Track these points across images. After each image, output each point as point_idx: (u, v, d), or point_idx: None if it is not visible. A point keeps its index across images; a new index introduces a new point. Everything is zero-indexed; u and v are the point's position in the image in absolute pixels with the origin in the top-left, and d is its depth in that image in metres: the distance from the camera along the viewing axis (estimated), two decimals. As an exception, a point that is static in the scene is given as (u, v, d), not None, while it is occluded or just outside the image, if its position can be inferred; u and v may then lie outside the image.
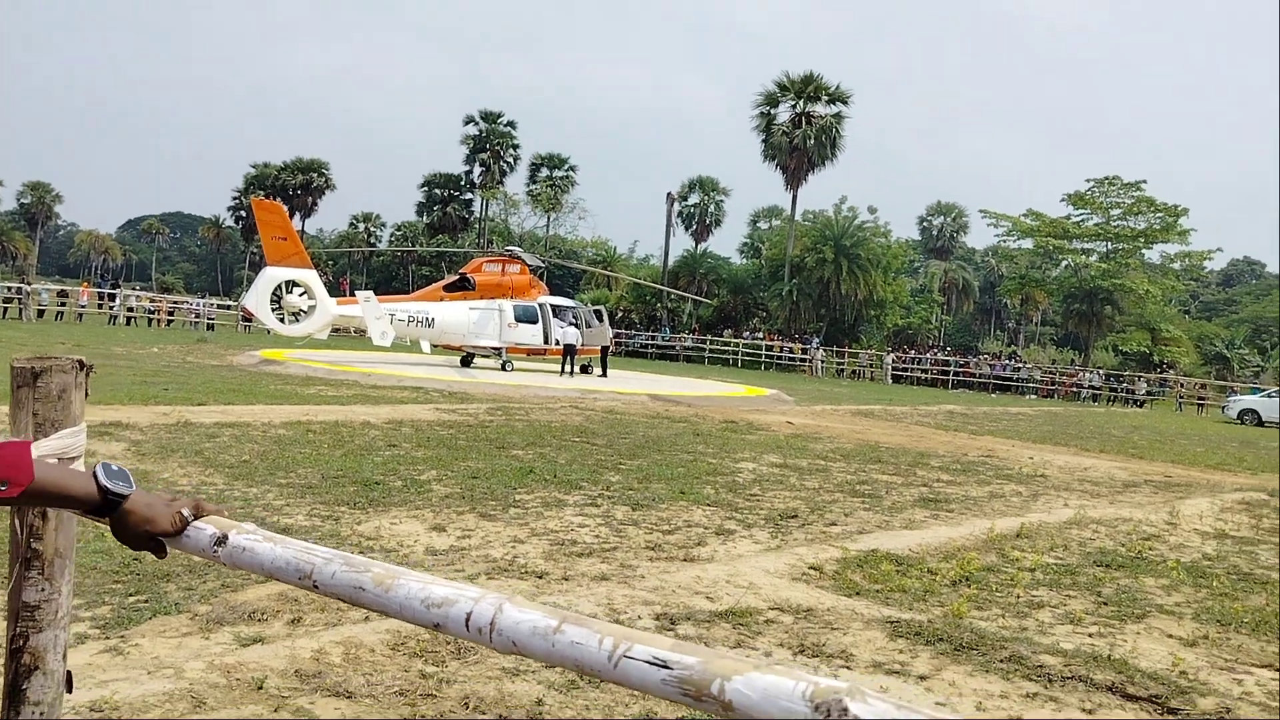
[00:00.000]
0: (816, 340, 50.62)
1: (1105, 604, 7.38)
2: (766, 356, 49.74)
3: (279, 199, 65.38)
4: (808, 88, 53.13)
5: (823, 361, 48.79)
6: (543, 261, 40.19)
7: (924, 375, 47.35)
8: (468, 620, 1.08)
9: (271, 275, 26.42)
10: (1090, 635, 6.52)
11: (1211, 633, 6.78)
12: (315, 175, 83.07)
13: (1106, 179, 48.85)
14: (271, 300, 26.73)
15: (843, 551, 8.09)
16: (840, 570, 7.57)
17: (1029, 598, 7.39)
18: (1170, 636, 6.63)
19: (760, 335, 53.32)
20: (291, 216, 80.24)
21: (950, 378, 46.55)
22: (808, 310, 51.94)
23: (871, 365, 48.87)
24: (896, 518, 10.18)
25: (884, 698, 0.85)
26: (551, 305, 30.21)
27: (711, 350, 51.14)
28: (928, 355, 50.78)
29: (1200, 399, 43.92)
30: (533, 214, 70.80)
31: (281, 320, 27.13)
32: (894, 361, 48.18)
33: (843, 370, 48.88)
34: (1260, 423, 33.30)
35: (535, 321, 29.39)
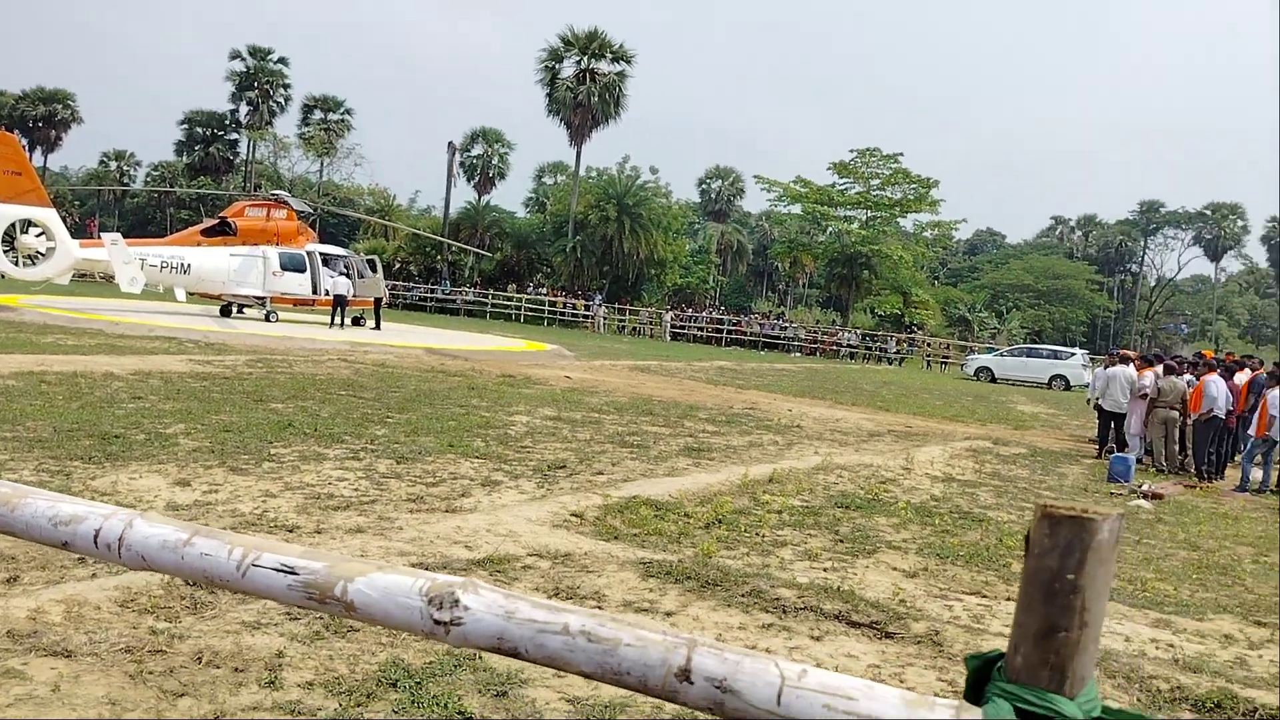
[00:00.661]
0: (599, 297, 51.24)
1: (842, 541, 7.95)
2: (549, 312, 49.90)
3: (16, 131, 58.95)
4: (592, 44, 53.20)
5: (605, 318, 49.49)
6: (312, 208, 38.44)
7: (700, 333, 49.01)
8: (96, 537, 1.03)
9: (3, 213, 23.91)
10: (825, 570, 7.01)
11: (931, 565, 7.45)
12: (59, 107, 75.48)
13: (868, 150, 51.93)
14: (3, 241, 24.23)
15: (605, 499, 8.29)
16: (601, 516, 7.76)
17: (774, 537, 7.85)
18: (895, 569, 7.23)
19: (544, 291, 53.37)
20: (32, 151, 72.78)
21: (724, 336, 48.43)
22: (591, 267, 52.39)
23: (651, 323, 50.02)
24: (661, 466, 10.52)
25: (495, 589, 0.89)
26: (321, 254, 28.97)
27: (494, 305, 50.76)
28: (704, 314, 52.57)
29: (944, 358, 47.90)
30: (305, 158, 67.47)
31: (15, 263, 24.66)
32: (672, 319, 49.57)
33: (624, 327, 49.77)
34: (993, 379, 36.68)
35: (303, 270, 28.11)
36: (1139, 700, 4.92)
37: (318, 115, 66.91)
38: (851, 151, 52.87)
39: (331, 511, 7.19)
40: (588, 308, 50.42)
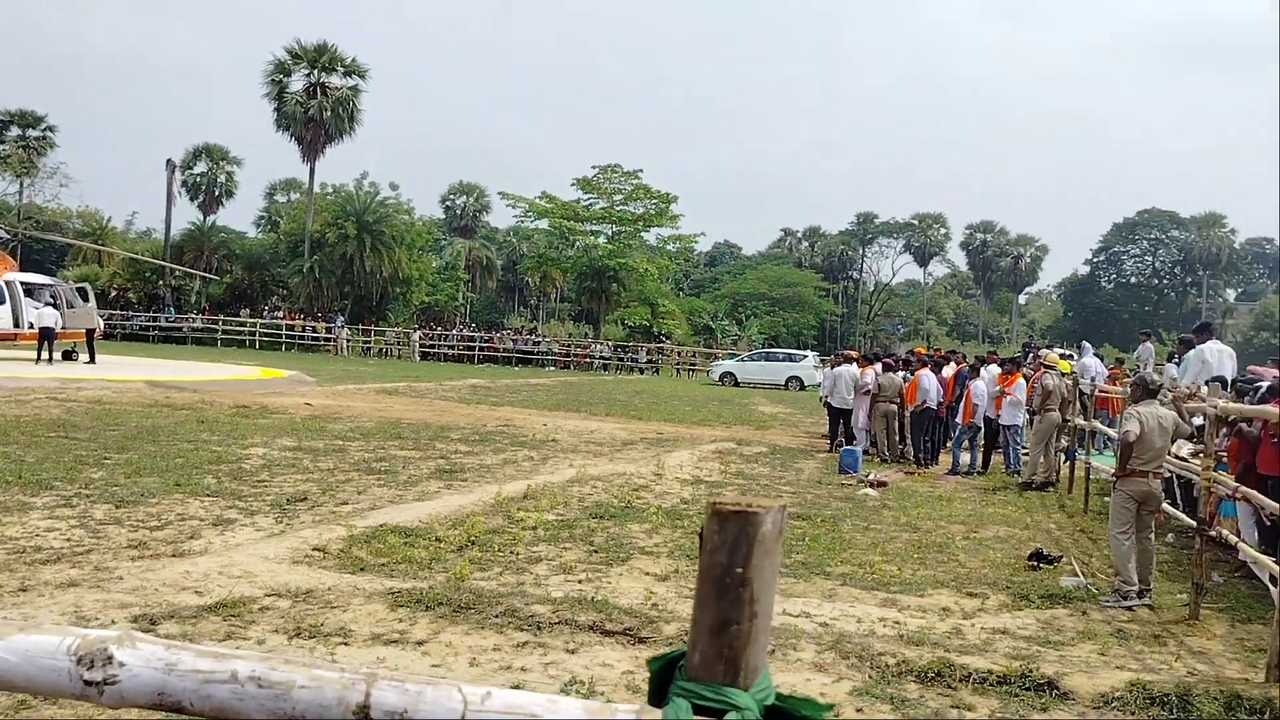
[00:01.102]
0: (341, 319, 49.30)
1: (596, 552, 8.04)
2: (288, 337, 47.48)
3: None
4: (321, 57, 51.28)
5: (348, 340, 47.68)
6: (10, 233, 34.72)
7: (451, 351, 48.23)
8: None
9: None
10: (580, 582, 7.06)
11: (681, 566, 7.67)
12: None
13: (609, 166, 53.13)
14: None
15: (349, 530, 7.94)
16: (346, 548, 7.43)
17: (529, 554, 7.82)
18: (647, 574, 7.39)
19: (280, 314, 50.73)
20: None
21: (476, 353, 47.91)
22: (331, 288, 50.37)
23: (399, 343, 48.73)
24: (411, 491, 10.23)
25: (155, 641, 0.80)
26: (22, 283, 26.17)
27: (225, 332, 47.71)
28: (454, 332, 51.81)
29: (691, 365, 49.83)
30: (1, 179, 60.76)
31: None
32: (421, 339, 48.49)
33: (370, 349, 48.16)
34: (737, 383, 38.50)
35: (1, 302, 25.30)
36: (870, 676, 5.26)
37: (14, 132, 60.41)
38: (594, 167, 53.85)
39: (39, 566, 6.48)
40: (329, 330, 48.40)
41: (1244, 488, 7.82)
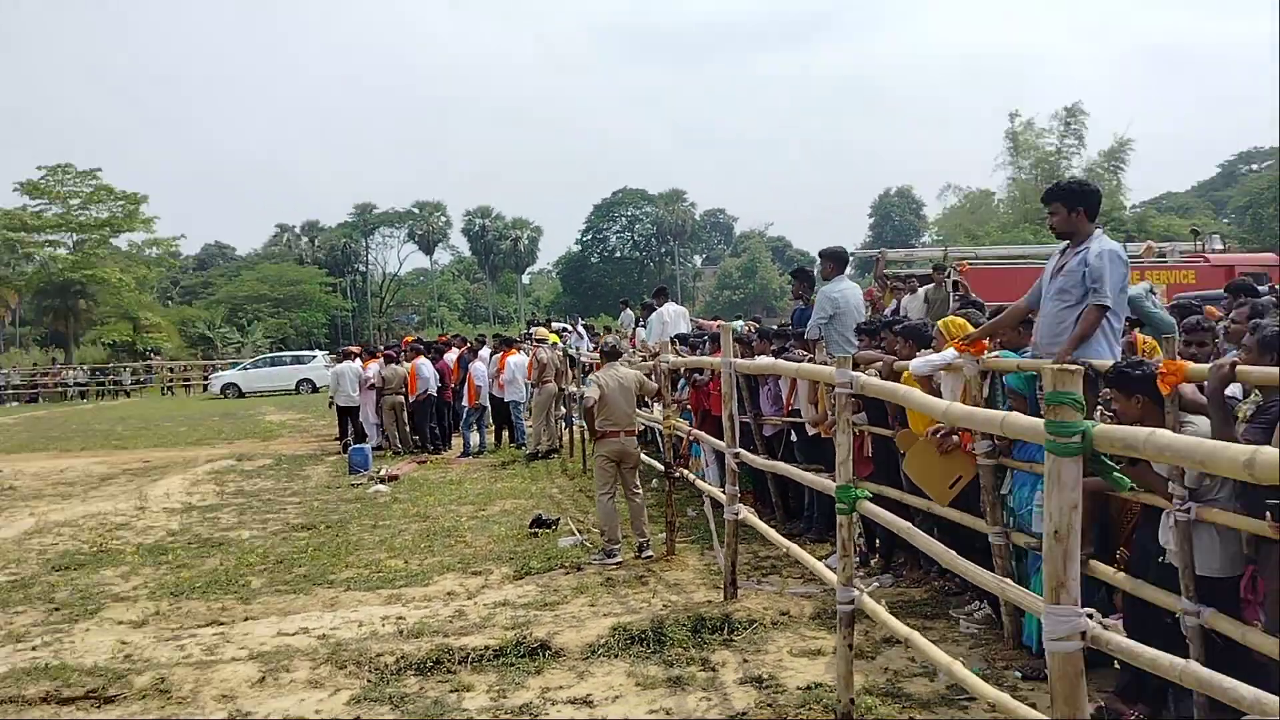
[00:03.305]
0: None
1: (57, 609, 6.98)
2: None
3: None
4: None
5: None
6: None
7: None
8: None
9: None
10: (35, 649, 6.06)
11: (163, 607, 6.91)
12: None
13: (60, 166, 46.67)
14: None
15: None
16: None
17: (-32, 630, 6.57)
18: (120, 623, 6.56)
19: None
20: None
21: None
22: None
23: None
24: None
25: None
26: None
27: None
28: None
29: (186, 380, 45.65)
30: None
31: None
32: None
33: None
34: (242, 394, 36.02)
35: None
36: (369, 680, 5.11)
37: None
38: (40, 169, 46.98)
39: None
40: None
41: (696, 430, 8.81)
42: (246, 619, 6.50)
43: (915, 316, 10.56)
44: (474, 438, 15.64)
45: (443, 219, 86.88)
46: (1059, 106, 41.72)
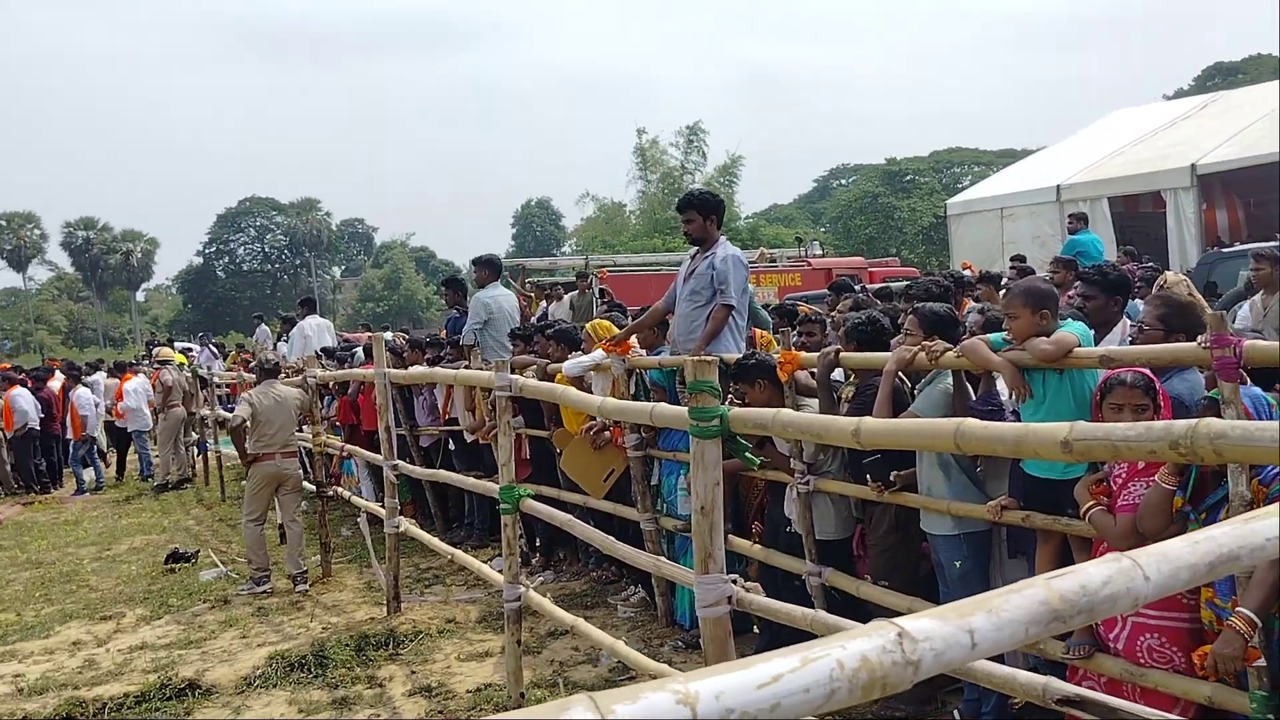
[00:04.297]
0: None
1: None
2: None
3: None
4: None
5: None
6: None
7: None
8: None
9: None
10: None
11: None
12: None
13: None
14: None
15: None
16: None
17: None
18: None
19: None
20: None
21: None
22: None
23: None
24: None
25: None
26: None
27: None
28: None
29: None
30: None
31: None
32: None
33: None
34: None
35: None
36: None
37: None
38: None
39: None
40: None
41: (349, 445, 8.57)
42: None
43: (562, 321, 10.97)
44: (87, 473, 14.06)
45: (36, 232, 77.08)
46: (682, 124, 44.74)
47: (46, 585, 8.05)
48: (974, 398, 3.81)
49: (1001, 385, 3.71)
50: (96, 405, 15.17)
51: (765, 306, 7.73)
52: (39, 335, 74.17)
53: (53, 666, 5.80)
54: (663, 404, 3.27)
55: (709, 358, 2.91)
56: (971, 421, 2.08)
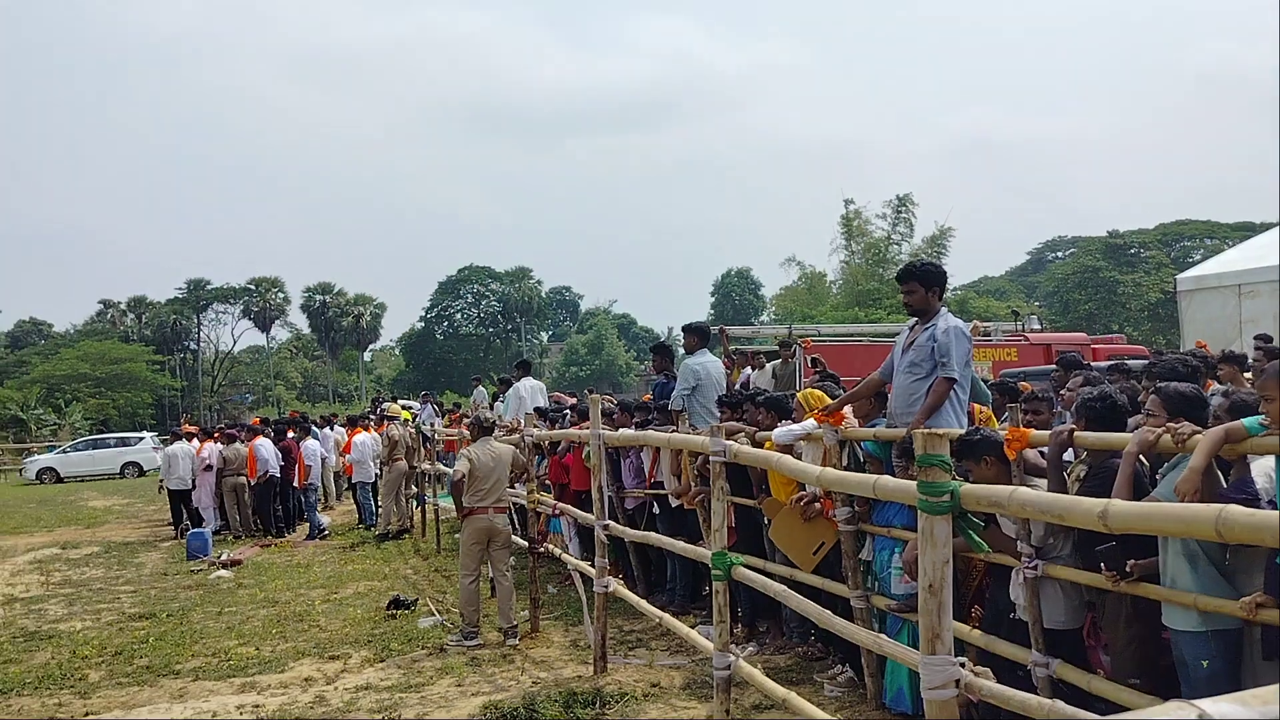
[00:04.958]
0: None
1: None
2: None
3: None
4: None
5: None
6: None
7: None
8: None
9: None
10: None
11: (-12, 709, 6.37)
12: None
13: None
14: None
15: None
16: None
17: None
18: (-63, 731, 6.01)
19: None
20: None
21: None
22: None
23: None
24: None
25: None
26: None
27: None
28: None
29: (-3, 465, 42.36)
30: None
31: None
32: None
33: None
34: (60, 479, 33.57)
35: None
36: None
37: None
38: None
39: None
40: None
41: (561, 503, 8.83)
42: (87, 714, 6.06)
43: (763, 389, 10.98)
44: (324, 519, 15.13)
45: (280, 295, 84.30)
46: (891, 195, 44.20)
47: (281, 623, 8.66)
48: (1225, 485, 3.55)
49: (1255, 472, 3.45)
50: (324, 457, 16.35)
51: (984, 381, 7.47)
52: (277, 390, 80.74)
53: (288, 700, 6.22)
54: (887, 477, 3.21)
55: (941, 431, 2.86)
56: (1235, 508, 1.96)
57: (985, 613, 4.70)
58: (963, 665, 2.80)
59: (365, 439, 15.20)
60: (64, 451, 36.66)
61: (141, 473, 33.15)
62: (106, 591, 10.78)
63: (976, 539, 2.97)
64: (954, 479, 2.78)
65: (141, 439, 37.24)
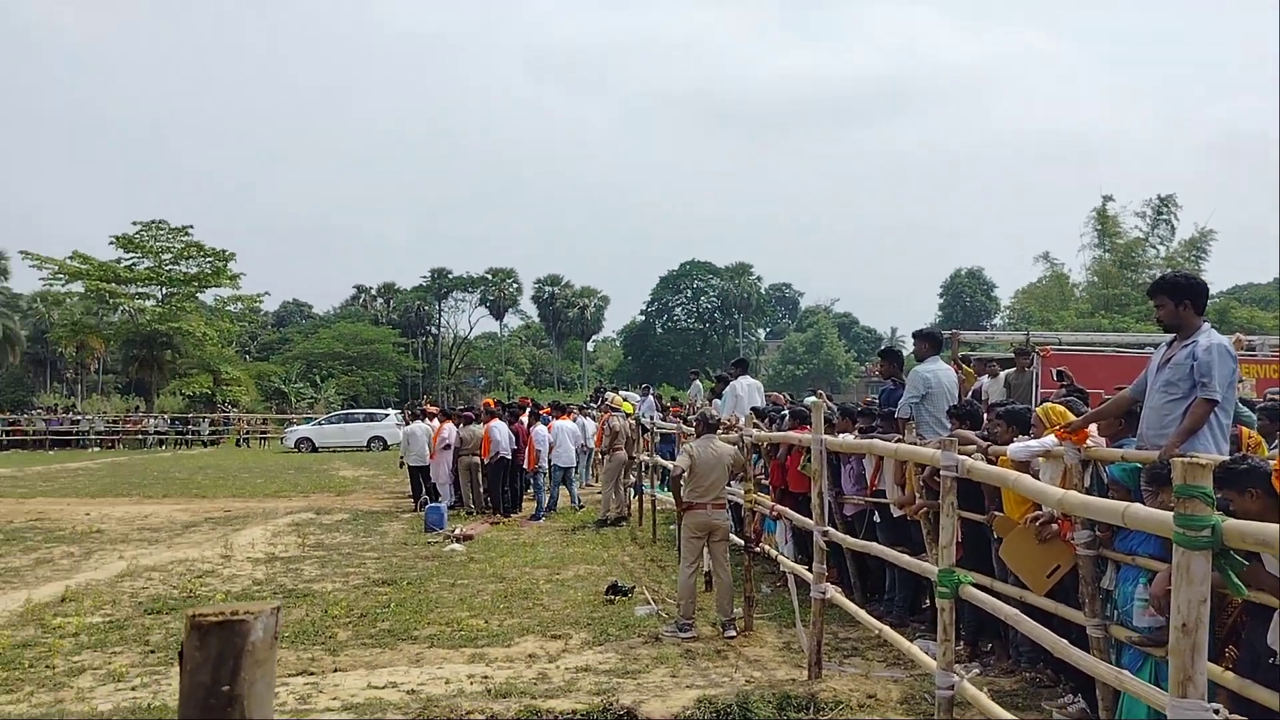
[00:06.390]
0: None
1: (153, 652, 7.20)
2: None
3: None
4: None
5: None
6: None
7: (-35, 439, 41.12)
8: None
9: None
10: (134, 689, 6.26)
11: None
12: None
13: (154, 223, 48.55)
14: None
15: None
16: None
17: (70, 665, 6.82)
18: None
19: None
20: None
21: (-1, 439, 41.31)
22: None
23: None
24: (-93, 611, 8.50)
25: None
26: None
27: None
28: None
29: (262, 433, 46.74)
30: None
31: None
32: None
33: None
34: (315, 448, 36.70)
35: None
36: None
37: None
38: (135, 224, 48.93)
39: None
40: None
41: (779, 506, 8.82)
42: (336, 670, 6.63)
43: (995, 400, 10.51)
44: (546, 499, 15.81)
45: (514, 285, 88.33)
46: (1152, 195, 41.00)
47: (509, 599, 9.13)
48: None
49: None
50: (552, 445, 17.10)
51: (1245, 403, 6.86)
52: (507, 375, 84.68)
53: (513, 674, 6.56)
54: (1139, 505, 3.03)
55: (1201, 459, 2.67)
56: None
57: (1241, 654, 4.34)
58: (1216, 712, 2.62)
59: (566, 425, 15.93)
60: (319, 424, 39.96)
61: (385, 446, 35.67)
62: (354, 556, 11.71)
63: (1236, 580, 2.75)
64: (1215, 513, 2.60)
65: (387, 415, 40.02)
